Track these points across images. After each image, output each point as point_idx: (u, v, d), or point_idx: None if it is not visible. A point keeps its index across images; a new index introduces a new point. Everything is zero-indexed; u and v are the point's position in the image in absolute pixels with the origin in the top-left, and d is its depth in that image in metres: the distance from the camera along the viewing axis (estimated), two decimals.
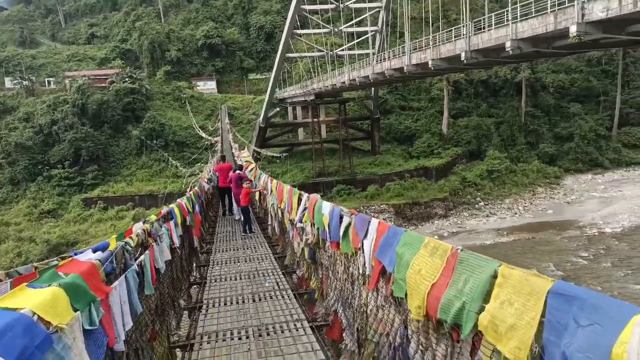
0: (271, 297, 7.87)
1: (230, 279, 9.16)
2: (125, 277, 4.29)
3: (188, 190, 17.56)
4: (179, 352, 6.47)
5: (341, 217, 5.38)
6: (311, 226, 6.95)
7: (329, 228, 5.73)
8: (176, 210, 8.44)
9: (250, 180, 16.53)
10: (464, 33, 25.32)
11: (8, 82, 57.41)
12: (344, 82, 38.47)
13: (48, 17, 77.78)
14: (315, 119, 46.77)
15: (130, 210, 43.05)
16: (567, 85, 53.03)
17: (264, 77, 62.01)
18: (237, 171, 16.37)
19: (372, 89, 47.03)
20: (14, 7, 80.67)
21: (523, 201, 45.19)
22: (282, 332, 6.38)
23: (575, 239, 36.44)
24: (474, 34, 25.08)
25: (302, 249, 8.13)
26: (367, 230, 4.22)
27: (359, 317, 5.30)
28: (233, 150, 32.86)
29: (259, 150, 44.53)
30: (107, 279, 3.97)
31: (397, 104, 53.53)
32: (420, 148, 49.32)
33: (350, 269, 5.41)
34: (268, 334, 6.23)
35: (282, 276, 9.17)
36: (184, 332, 7.36)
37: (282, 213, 10.54)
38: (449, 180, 45.53)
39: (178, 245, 7.83)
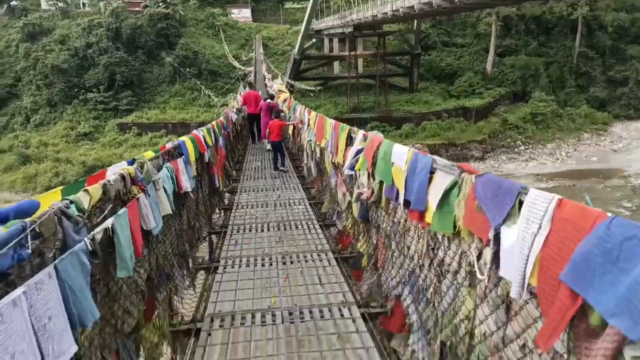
0: (306, 259, 5.88)
1: (257, 230, 7.20)
2: (56, 269, 2.28)
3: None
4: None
5: (432, 173, 3.17)
6: (368, 177, 4.77)
7: (405, 187, 3.54)
8: (188, 144, 6.33)
9: (282, 111, 14.42)
10: None
11: (44, 4, 54.92)
12: (385, 13, 34.59)
13: None
14: (353, 53, 43.18)
15: (163, 137, 41.64)
16: (628, 25, 47.12)
17: (300, 6, 57.62)
18: (268, 100, 14.23)
19: (415, 22, 42.77)
20: None
21: (566, 147, 41.58)
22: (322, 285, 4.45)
23: (619, 188, 33.47)
24: None
25: (349, 202, 6.01)
26: (525, 214, 2.02)
27: (449, 327, 3.24)
28: (266, 81, 30.44)
29: (292, 82, 41.75)
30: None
31: (439, 40, 49.01)
32: (461, 87, 45.50)
33: (442, 254, 3.27)
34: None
35: (317, 228, 7.15)
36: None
37: (322, 152, 8.37)
38: (489, 122, 42.11)
39: (190, 190, 5.81)
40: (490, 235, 2.23)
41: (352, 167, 5.14)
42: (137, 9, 49.97)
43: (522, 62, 45.22)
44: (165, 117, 44.07)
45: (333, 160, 6.89)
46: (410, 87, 46.34)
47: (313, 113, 8.82)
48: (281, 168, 11.37)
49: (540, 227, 1.91)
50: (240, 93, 22.48)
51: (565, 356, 1.95)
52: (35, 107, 46.01)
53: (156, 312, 4.21)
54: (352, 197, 5.87)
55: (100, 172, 3.95)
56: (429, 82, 47.07)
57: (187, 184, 5.70)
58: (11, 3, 53.82)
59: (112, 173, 3.76)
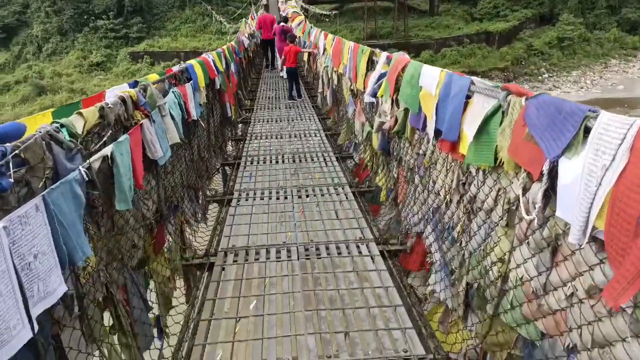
0: (322, 193, 5.61)
1: (271, 162, 6.91)
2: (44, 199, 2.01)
3: None
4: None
5: (467, 98, 2.75)
6: (392, 105, 4.34)
7: (436, 114, 3.13)
8: (197, 68, 5.89)
9: (296, 36, 13.66)
10: None
11: None
12: None
13: None
14: None
15: (176, 65, 40.70)
16: None
17: None
18: (282, 23, 13.42)
19: None
20: None
21: (592, 74, 39.57)
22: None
23: None
24: None
25: (368, 133, 5.62)
26: (593, 143, 1.64)
27: (477, 268, 2.97)
28: (279, 4, 28.89)
29: (306, 6, 39.65)
30: None
31: None
32: (485, 9, 42.85)
33: (474, 190, 2.93)
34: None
35: (334, 160, 6.82)
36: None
37: (339, 79, 7.85)
38: (513, 47, 39.99)
39: (196, 118, 5.46)
40: (545, 168, 1.86)
41: (373, 94, 4.69)
42: None
43: None
44: (177, 45, 42.78)
45: (351, 87, 6.41)
46: (431, 9, 43.81)
47: (330, 36, 8.16)
48: (296, 98, 10.90)
49: (614, 159, 1.53)
50: (252, 17, 21.37)
51: (630, 311, 1.65)
52: (46, 36, 45.00)
53: (166, 245, 4.03)
54: (371, 127, 5.47)
55: (98, 94, 3.59)
56: (450, 3, 44.38)
57: (194, 111, 5.34)
58: None
59: (112, 95, 3.41)
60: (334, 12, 42.20)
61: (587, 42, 40.77)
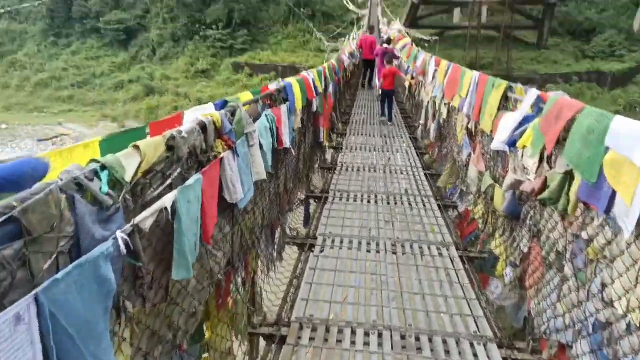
0: (422, 252, 4.55)
1: (362, 200, 5.96)
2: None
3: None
4: None
5: None
6: (540, 161, 3.23)
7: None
8: (295, 88, 5.12)
9: (398, 57, 12.82)
10: None
11: None
12: None
13: None
14: None
15: (272, 80, 41.55)
16: None
17: None
18: (385, 45, 12.63)
19: None
20: None
21: None
22: None
23: None
24: None
25: (488, 186, 4.49)
26: None
27: None
28: (380, 26, 28.25)
29: (407, 30, 38.70)
30: None
31: None
32: (599, 46, 39.14)
33: None
34: None
35: (435, 209, 5.73)
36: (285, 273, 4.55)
37: (449, 112, 6.77)
38: (627, 91, 36.06)
39: (288, 145, 4.67)
40: None
41: (511, 143, 3.58)
42: None
43: None
44: (276, 58, 43.71)
45: (469, 126, 5.31)
46: (539, 42, 40.85)
47: (443, 62, 7.09)
48: (386, 119, 10.58)
49: None
50: (353, 37, 20.84)
51: None
52: (160, 41, 48.15)
53: (230, 304, 3.21)
54: (494, 179, 4.35)
55: (174, 115, 2.85)
56: (560, 37, 41.16)
57: (287, 138, 4.55)
58: None
59: (191, 118, 2.66)
60: (434, 37, 40.79)
61: None
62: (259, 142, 3.47)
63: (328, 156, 8.51)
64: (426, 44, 39.65)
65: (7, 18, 51.53)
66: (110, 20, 48.77)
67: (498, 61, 38.91)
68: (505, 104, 4.27)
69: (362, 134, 9.59)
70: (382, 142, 8.93)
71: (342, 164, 7.39)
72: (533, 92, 3.46)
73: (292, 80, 5.12)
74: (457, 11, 43.71)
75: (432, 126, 7.74)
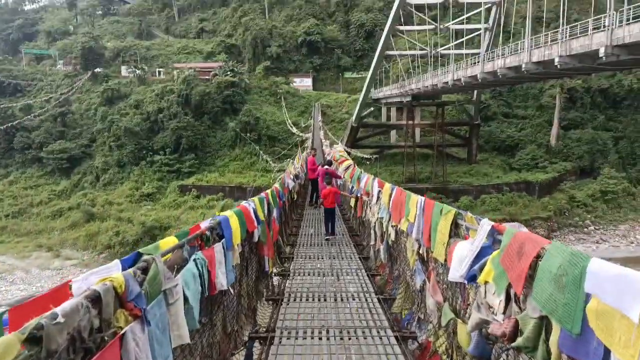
0: None
1: (313, 337, 5.27)
2: None
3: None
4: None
5: None
6: (507, 301, 2.84)
7: None
8: (233, 222, 4.67)
9: (339, 177, 13.13)
10: (607, 24, 20.21)
11: (124, 71, 58.63)
12: (446, 82, 33.39)
13: (164, 10, 79.57)
14: (410, 122, 42.02)
15: (220, 200, 41.27)
16: None
17: (360, 76, 58.22)
18: (325, 166, 12.88)
19: (474, 92, 41.35)
20: (137, 1, 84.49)
21: None
22: None
23: None
24: (619, 26, 19.84)
25: (450, 319, 4.02)
26: None
27: None
28: (324, 147, 29.48)
29: (349, 150, 40.75)
30: None
31: (499, 111, 47.03)
32: (523, 160, 42.67)
33: None
34: None
35: (394, 343, 5.12)
36: None
37: (397, 234, 6.50)
38: (554, 198, 38.72)
39: (226, 287, 4.07)
40: None
41: (470, 278, 3.22)
42: (207, 77, 52.02)
43: (588, 136, 42.12)
44: (224, 180, 43.97)
45: (421, 251, 4.99)
46: (469, 158, 44.06)
47: (387, 185, 7.02)
48: (331, 237, 10.68)
49: None
50: (298, 158, 21.42)
51: None
52: (105, 167, 47.51)
53: None
54: (455, 313, 3.90)
55: (60, 285, 2.25)
56: (488, 153, 44.71)
57: (223, 280, 3.98)
58: (95, 70, 57.68)
59: (83, 286, 2.09)
60: (374, 156, 43.10)
61: (632, 196, 39.29)
62: (184, 294, 2.90)
63: (276, 282, 7.86)
64: (367, 162, 41.72)
65: None
66: (54, 149, 48.12)
67: (435, 175, 41.20)
68: (457, 231, 4.01)
69: (310, 257, 9.11)
70: (330, 264, 8.46)
71: (289, 294, 6.76)
72: (486, 223, 3.20)
73: (228, 213, 4.69)
74: (393, 132, 47.09)
75: (382, 247, 7.43)
